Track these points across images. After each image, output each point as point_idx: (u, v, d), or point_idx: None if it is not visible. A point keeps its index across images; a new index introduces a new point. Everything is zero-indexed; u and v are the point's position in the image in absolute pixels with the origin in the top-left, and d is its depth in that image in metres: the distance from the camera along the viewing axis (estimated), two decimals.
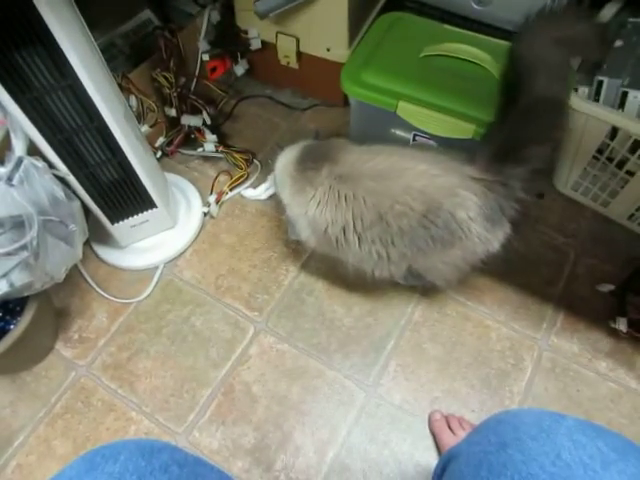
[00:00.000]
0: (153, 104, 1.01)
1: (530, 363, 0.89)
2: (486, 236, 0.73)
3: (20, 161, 0.74)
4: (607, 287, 0.95)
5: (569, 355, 0.90)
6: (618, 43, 0.94)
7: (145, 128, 1.03)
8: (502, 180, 0.71)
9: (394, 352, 0.91)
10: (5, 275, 0.73)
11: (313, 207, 0.77)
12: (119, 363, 0.91)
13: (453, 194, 0.71)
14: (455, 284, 0.87)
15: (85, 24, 0.73)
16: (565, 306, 0.95)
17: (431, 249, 0.74)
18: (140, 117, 1.04)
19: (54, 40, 0.65)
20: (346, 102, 1.07)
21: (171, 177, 1.08)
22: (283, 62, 1.15)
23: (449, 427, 0.81)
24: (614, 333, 0.91)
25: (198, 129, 1.09)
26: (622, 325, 0.90)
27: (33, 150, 0.77)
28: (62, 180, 0.80)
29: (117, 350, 0.92)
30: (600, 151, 0.94)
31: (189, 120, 1.06)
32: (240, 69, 1.16)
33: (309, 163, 0.78)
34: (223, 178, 1.11)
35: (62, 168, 0.79)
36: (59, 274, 0.80)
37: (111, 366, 0.90)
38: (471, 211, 0.71)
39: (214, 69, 1.17)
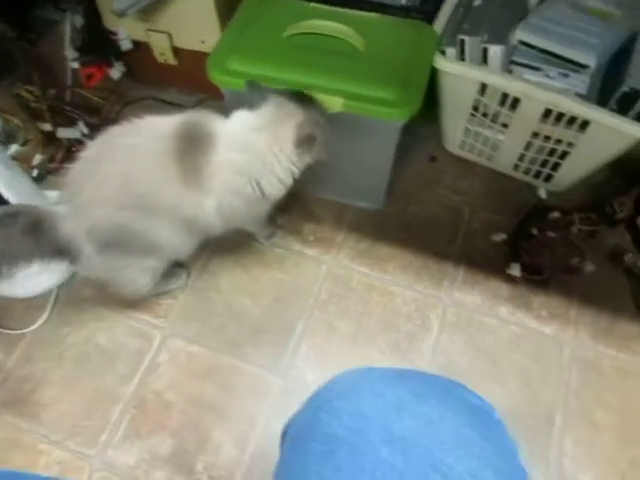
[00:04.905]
0: (20, 121, 0.96)
1: (436, 321, 0.92)
2: None
3: None
4: (500, 236, 0.99)
5: (472, 307, 0.93)
6: (477, 2, 0.97)
7: (15, 148, 0.97)
8: None
9: (304, 334, 0.91)
10: None
11: None
12: (21, 397, 0.86)
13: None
14: None
15: None
16: (464, 261, 0.98)
17: None
18: (12, 137, 0.99)
19: None
20: None
21: (57, 194, 1.03)
22: (160, 60, 1.11)
23: None
24: (511, 279, 0.95)
25: (79, 141, 1.05)
26: (516, 270, 0.94)
27: None
28: None
29: (17, 385, 0.87)
30: (476, 108, 0.97)
31: (65, 133, 1.02)
32: (116, 72, 1.12)
33: None
34: None
35: None
36: None
37: (13, 403, 0.85)
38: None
39: (90, 76, 1.13)
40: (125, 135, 0.75)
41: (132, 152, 0.73)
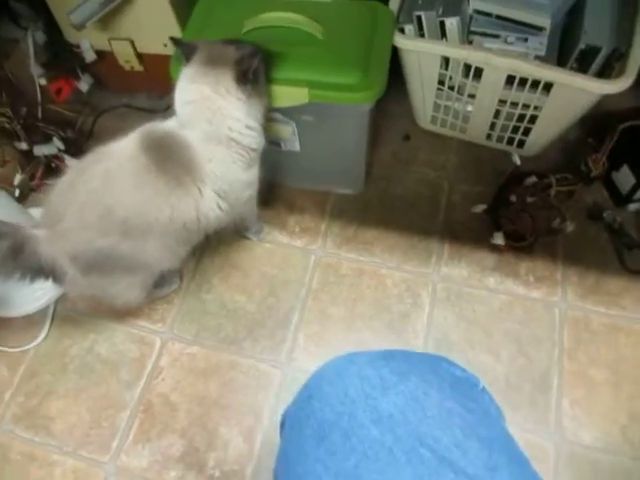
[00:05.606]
0: None
1: (427, 298, 0.94)
2: None
3: None
4: (480, 207, 1.00)
5: (460, 280, 0.95)
6: None
7: None
8: None
9: (300, 324, 0.93)
10: None
11: None
12: (31, 411, 0.88)
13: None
14: None
15: None
16: (449, 236, 1.00)
17: None
18: None
19: None
20: None
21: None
22: (126, 67, 1.11)
23: None
24: (496, 248, 0.97)
25: (56, 156, 1.05)
26: (499, 239, 0.96)
27: None
28: None
29: (26, 399, 0.89)
30: (442, 82, 0.98)
31: (42, 150, 1.02)
32: (84, 85, 1.12)
33: None
34: None
35: None
36: None
37: (23, 416, 0.88)
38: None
39: (59, 91, 1.12)
40: (98, 162, 0.75)
41: (108, 178, 0.73)
